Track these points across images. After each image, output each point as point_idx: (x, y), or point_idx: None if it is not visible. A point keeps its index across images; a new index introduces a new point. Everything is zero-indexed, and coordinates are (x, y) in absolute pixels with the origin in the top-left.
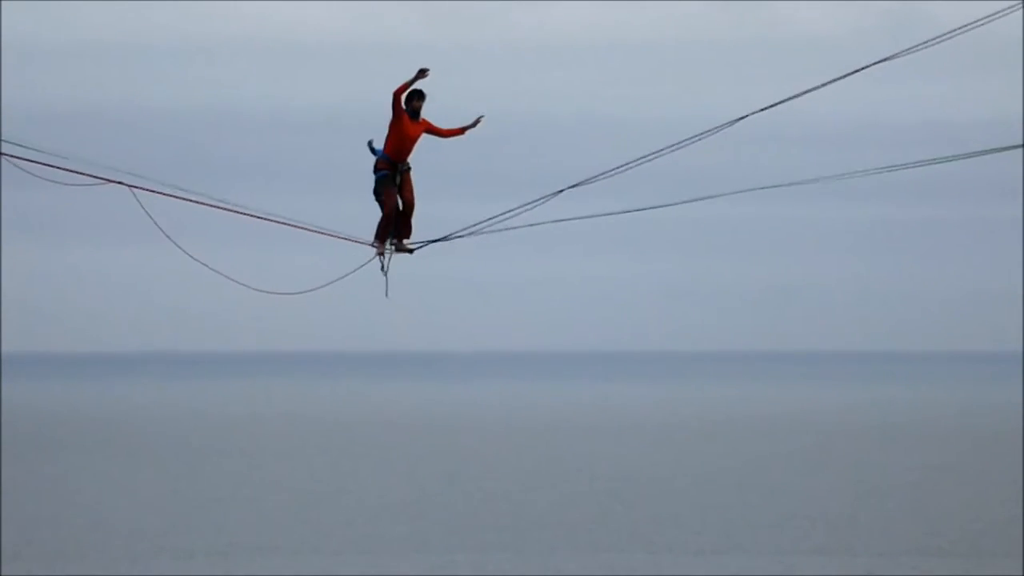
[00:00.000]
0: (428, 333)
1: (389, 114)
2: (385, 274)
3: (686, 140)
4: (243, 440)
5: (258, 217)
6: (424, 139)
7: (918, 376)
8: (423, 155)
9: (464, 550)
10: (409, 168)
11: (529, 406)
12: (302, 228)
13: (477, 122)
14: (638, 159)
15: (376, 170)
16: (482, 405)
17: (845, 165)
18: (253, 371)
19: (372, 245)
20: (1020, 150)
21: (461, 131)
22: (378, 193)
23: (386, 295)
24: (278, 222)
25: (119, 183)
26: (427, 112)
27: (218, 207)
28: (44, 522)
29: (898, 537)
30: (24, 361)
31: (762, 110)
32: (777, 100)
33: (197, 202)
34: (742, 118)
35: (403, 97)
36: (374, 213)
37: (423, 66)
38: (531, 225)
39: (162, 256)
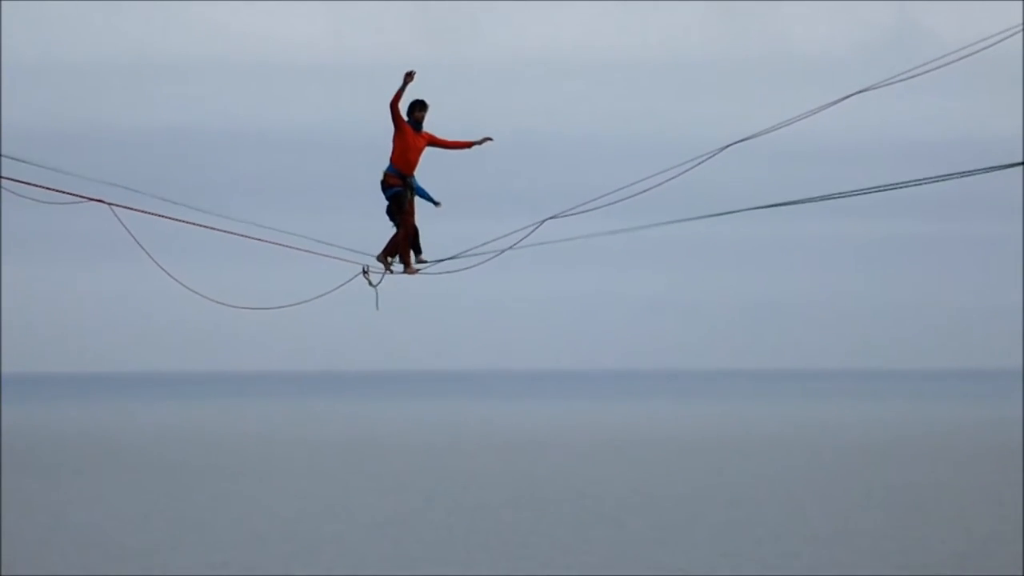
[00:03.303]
0: (414, 352)
1: (390, 127)
2: (375, 287)
3: (685, 163)
4: (232, 459)
5: (242, 236)
6: (428, 153)
7: (916, 393)
8: (429, 172)
9: (449, 567)
10: (413, 189)
11: (515, 424)
12: (287, 247)
13: (484, 141)
14: (629, 184)
15: (386, 186)
16: (467, 423)
17: (842, 182)
18: (243, 391)
19: (377, 259)
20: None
21: (468, 145)
22: (392, 213)
23: (376, 308)
24: (262, 240)
25: (99, 200)
26: (425, 126)
27: (202, 226)
28: (33, 541)
29: (892, 555)
30: (12, 381)
31: (754, 136)
32: (773, 122)
33: (178, 220)
34: (740, 141)
35: (401, 106)
36: (364, 229)
37: (408, 70)
38: (523, 247)
39: (153, 276)
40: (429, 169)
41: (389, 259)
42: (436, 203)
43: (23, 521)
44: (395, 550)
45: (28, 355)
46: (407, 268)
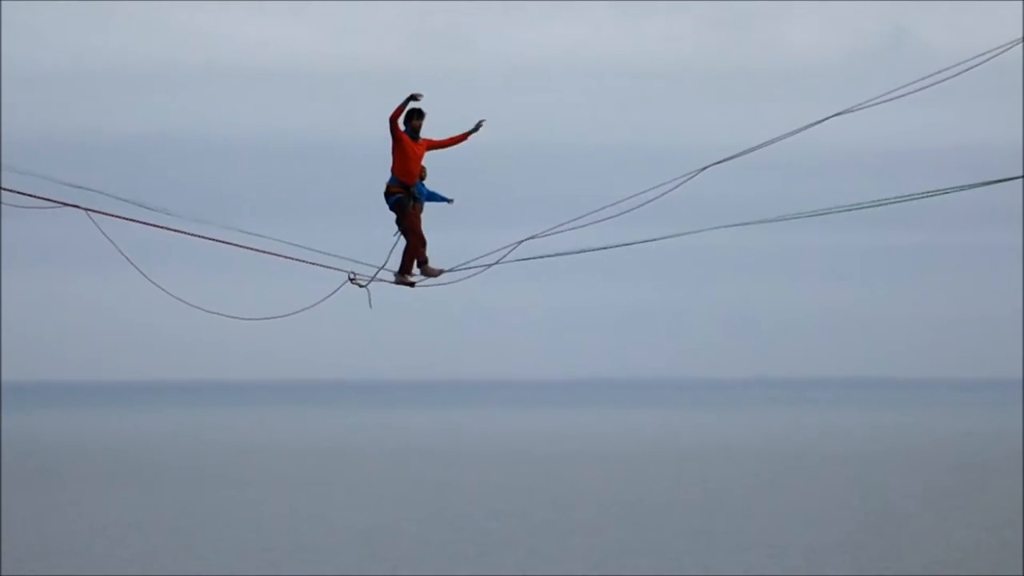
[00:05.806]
0: (402, 362)
1: (387, 137)
2: (366, 287)
3: (668, 182)
4: (224, 468)
5: (224, 243)
6: (429, 166)
7: (912, 403)
8: (429, 183)
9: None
10: (418, 199)
11: (503, 433)
12: (271, 254)
13: (478, 126)
14: (613, 203)
15: (388, 195)
16: (453, 433)
17: (833, 192)
18: (234, 400)
19: (397, 282)
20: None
21: (463, 137)
22: (401, 222)
23: (370, 307)
24: (244, 248)
25: (74, 206)
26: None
27: (182, 232)
28: (32, 549)
29: (887, 567)
30: (6, 390)
31: (733, 157)
32: (766, 130)
33: (159, 227)
34: (719, 163)
35: (400, 119)
36: (360, 238)
37: (414, 91)
38: (507, 263)
39: (139, 284)
40: (429, 181)
41: (409, 275)
42: (449, 200)
43: (21, 530)
44: (382, 559)
45: (13, 364)
46: (400, 277)
